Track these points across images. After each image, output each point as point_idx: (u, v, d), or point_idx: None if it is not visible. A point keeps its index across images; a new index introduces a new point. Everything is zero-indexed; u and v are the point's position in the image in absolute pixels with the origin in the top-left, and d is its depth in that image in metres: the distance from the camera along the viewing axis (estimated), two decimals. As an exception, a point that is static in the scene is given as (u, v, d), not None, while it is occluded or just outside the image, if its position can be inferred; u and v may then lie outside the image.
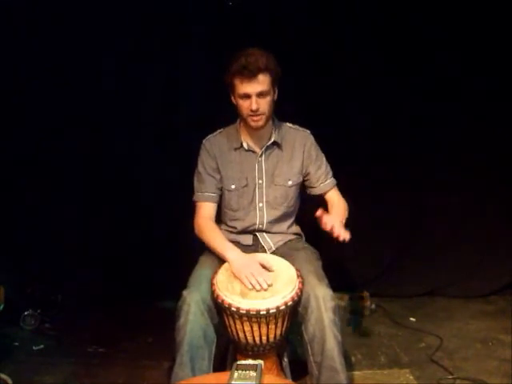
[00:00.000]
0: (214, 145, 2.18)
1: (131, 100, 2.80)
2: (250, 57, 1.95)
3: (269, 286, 1.86)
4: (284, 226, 2.24)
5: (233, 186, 2.16)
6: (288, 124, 2.23)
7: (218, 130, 2.24)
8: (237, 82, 1.99)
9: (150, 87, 2.82)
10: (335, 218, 1.93)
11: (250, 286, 1.86)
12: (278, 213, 2.19)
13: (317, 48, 2.75)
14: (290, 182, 2.18)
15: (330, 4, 2.71)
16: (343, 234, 1.87)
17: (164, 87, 2.83)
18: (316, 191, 2.24)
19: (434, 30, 2.76)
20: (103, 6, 2.64)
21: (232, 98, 2.09)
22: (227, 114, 2.23)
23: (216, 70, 2.75)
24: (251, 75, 1.94)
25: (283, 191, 2.18)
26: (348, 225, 2.04)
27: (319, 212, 1.92)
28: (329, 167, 2.26)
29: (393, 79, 2.82)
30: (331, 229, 1.87)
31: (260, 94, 1.98)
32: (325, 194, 2.24)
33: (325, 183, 2.23)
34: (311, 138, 2.22)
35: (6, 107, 2.74)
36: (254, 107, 1.99)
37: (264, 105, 2.01)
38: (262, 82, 1.97)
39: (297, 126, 2.24)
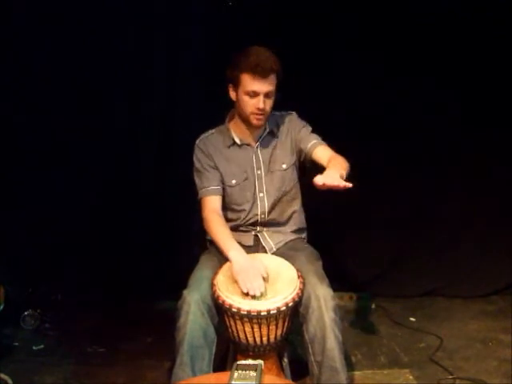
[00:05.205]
0: (208, 144, 2.18)
1: (131, 100, 2.81)
2: (262, 55, 1.97)
3: (261, 294, 1.84)
4: (285, 214, 2.21)
5: (234, 182, 2.16)
6: (273, 112, 2.19)
7: (210, 131, 2.22)
8: (247, 78, 1.98)
9: (150, 87, 2.82)
10: (331, 173, 1.81)
11: (245, 290, 1.85)
12: (275, 198, 2.18)
13: (317, 48, 2.75)
14: (284, 166, 2.19)
15: (330, 3, 2.71)
16: (343, 184, 1.75)
17: (164, 88, 2.82)
18: (308, 151, 2.14)
19: (435, 29, 2.76)
20: (103, 7, 2.64)
21: (232, 93, 2.08)
22: (226, 114, 2.24)
23: (216, 70, 2.76)
24: (264, 74, 1.96)
25: (279, 175, 2.18)
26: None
27: (316, 179, 1.76)
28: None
29: (393, 80, 2.82)
30: (331, 185, 1.74)
31: (267, 95, 2.01)
32: (321, 155, 2.12)
33: (319, 140, 2.17)
34: (295, 115, 2.24)
35: (8, 107, 2.74)
36: (261, 106, 2.00)
37: (268, 105, 2.04)
38: (271, 83, 2.00)
39: (281, 112, 2.24)
